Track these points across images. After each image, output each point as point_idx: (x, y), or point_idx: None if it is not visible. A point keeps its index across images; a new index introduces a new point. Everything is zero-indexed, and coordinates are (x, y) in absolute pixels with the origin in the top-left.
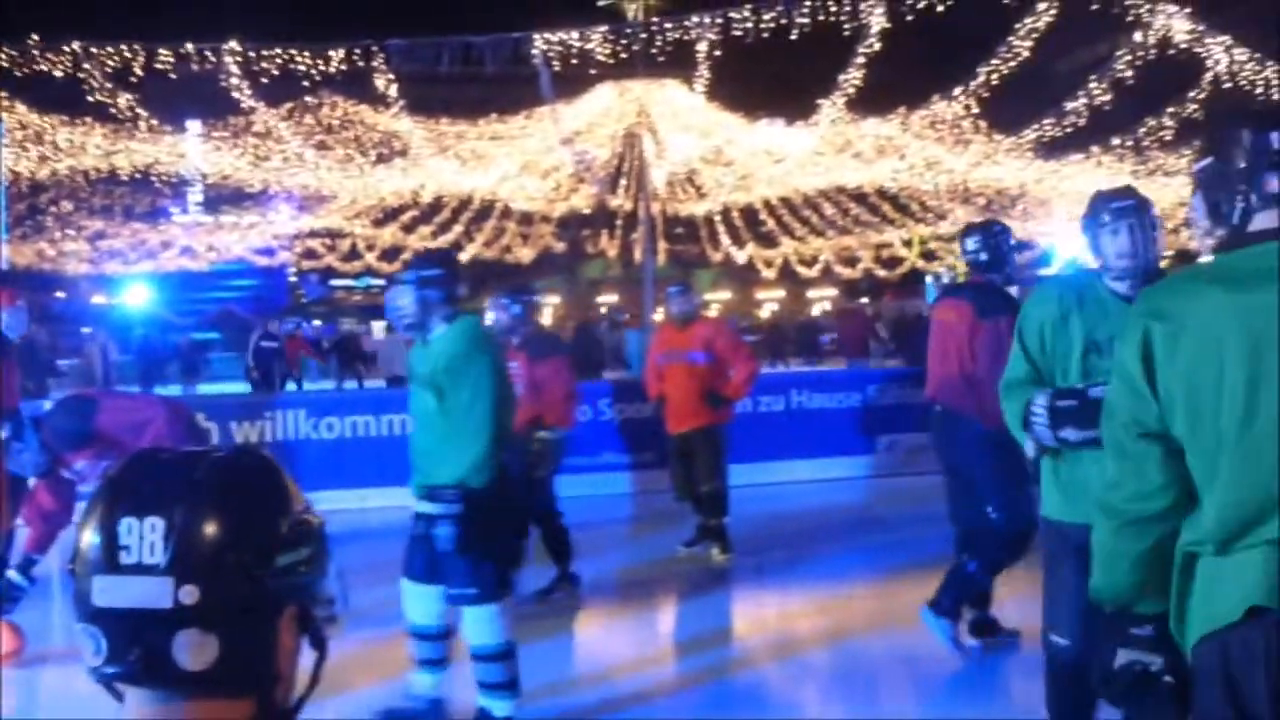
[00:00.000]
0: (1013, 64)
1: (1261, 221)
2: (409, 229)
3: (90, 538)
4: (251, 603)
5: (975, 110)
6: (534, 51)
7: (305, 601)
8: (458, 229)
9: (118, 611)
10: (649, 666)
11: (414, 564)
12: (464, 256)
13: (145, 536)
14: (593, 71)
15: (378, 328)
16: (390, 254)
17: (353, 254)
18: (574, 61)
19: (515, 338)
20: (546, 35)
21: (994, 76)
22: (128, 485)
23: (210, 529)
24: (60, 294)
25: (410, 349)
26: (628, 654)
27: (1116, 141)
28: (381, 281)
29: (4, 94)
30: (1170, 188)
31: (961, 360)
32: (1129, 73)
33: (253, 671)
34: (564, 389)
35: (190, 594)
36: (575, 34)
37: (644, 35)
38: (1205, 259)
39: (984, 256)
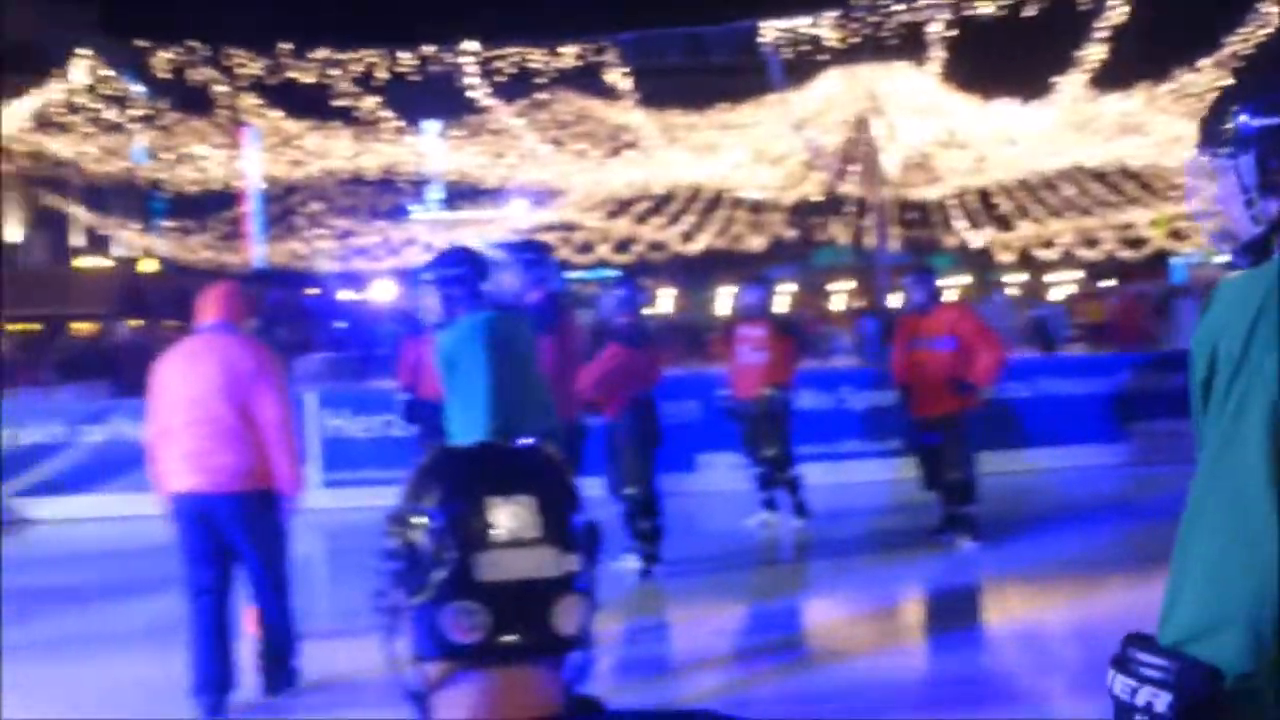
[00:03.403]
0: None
1: None
2: (641, 220)
3: (455, 519)
4: (594, 570)
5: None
6: (762, 40)
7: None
8: (689, 219)
9: (507, 585)
10: (886, 645)
11: None
12: (696, 246)
13: (517, 514)
14: (821, 58)
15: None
16: (622, 245)
17: (585, 246)
18: (803, 48)
19: None
20: (775, 23)
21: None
22: (478, 470)
23: (568, 505)
24: (314, 290)
25: None
26: (854, 630)
27: None
28: (613, 272)
29: (259, 102)
30: None
31: None
32: None
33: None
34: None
35: (572, 562)
36: (805, 20)
37: (874, 19)
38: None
39: None
